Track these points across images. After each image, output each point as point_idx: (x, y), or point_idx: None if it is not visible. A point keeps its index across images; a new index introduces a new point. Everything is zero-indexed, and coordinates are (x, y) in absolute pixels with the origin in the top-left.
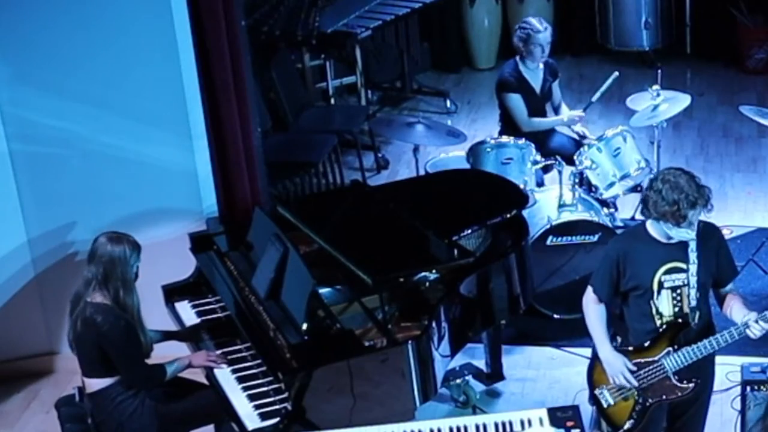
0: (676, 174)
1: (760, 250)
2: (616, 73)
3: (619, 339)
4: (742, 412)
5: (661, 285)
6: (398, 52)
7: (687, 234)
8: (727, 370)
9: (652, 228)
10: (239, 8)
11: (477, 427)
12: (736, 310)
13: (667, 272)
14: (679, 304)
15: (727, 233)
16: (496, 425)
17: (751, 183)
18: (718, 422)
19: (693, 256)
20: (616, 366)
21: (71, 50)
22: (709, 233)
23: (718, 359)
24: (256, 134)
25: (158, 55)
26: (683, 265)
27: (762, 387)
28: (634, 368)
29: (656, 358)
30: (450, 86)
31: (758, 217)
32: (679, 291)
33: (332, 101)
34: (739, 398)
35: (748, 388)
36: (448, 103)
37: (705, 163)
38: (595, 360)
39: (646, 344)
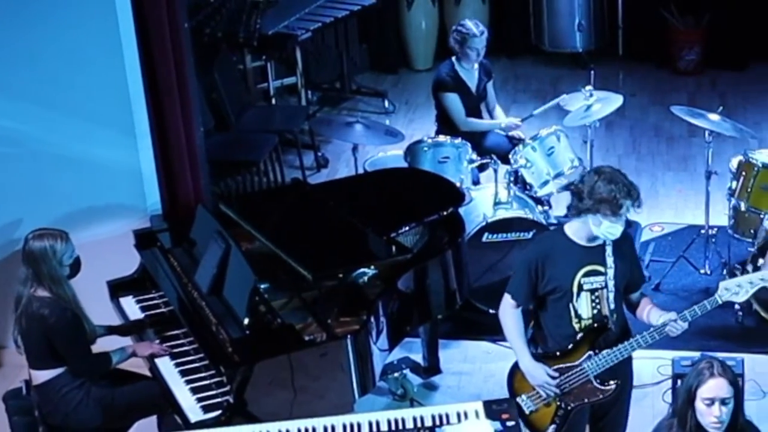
0: (610, 169)
1: (691, 246)
2: (564, 96)
3: (539, 347)
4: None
5: (580, 287)
6: (337, 53)
7: (616, 229)
8: (659, 363)
9: (571, 230)
10: (182, 10)
11: (414, 420)
12: (654, 312)
13: (586, 275)
14: (598, 306)
15: (658, 230)
16: (433, 418)
17: (681, 181)
18: (649, 414)
19: (610, 260)
20: (538, 376)
21: (17, 50)
22: (622, 238)
23: (650, 353)
24: (198, 133)
25: (103, 56)
26: (601, 268)
27: None
28: (556, 375)
29: (577, 363)
30: (388, 87)
31: (689, 215)
32: (597, 294)
33: (273, 101)
34: (670, 391)
35: (679, 382)
36: (387, 103)
37: (637, 162)
38: (515, 368)
39: (567, 349)
